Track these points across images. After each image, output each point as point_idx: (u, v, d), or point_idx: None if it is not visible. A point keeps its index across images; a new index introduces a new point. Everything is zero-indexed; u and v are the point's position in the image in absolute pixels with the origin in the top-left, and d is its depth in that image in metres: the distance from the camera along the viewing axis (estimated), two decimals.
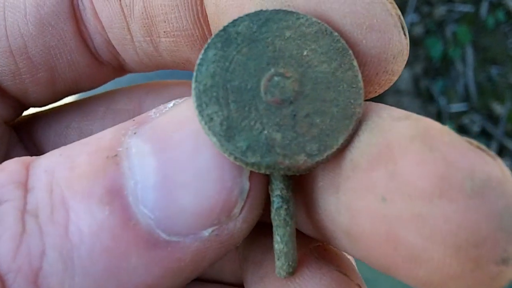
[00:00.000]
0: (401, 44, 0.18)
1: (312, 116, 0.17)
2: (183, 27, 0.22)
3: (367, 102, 0.18)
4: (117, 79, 0.28)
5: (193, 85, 0.17)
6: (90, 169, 0.17)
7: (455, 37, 1.39)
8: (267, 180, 0.18)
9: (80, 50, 0.24)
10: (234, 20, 0.18)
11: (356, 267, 0.21)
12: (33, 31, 0.23)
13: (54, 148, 0.18)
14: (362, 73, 0.18)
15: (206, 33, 0.22)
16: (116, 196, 0.16)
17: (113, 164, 0.17)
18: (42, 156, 0.18)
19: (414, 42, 1.39)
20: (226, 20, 0.18)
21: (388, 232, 0.15)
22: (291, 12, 0.18)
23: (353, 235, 0.17)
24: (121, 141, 0.17)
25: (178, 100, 0.18)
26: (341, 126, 0.17)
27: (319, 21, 0.18)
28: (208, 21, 0.22)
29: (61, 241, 0.16)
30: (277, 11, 0.18)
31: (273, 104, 0.17)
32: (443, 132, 0.15)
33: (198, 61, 0.17)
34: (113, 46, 0.24)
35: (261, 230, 0.21)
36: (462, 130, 1.32)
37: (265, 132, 0.17)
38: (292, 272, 0.18)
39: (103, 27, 0.24)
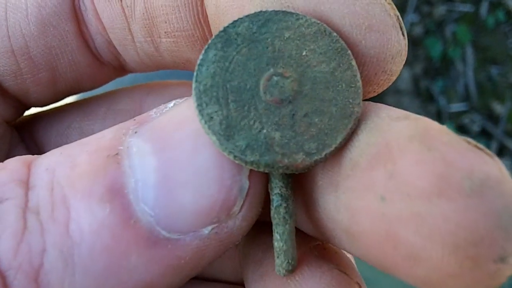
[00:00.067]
0: (399, 45, 0.18)
1: (311, 116, 0.17)
2: (183, 27, 0.22)
3: (366, 102, 0.18)
4: (118, 79, 0.28)
5: (193, 85, 0.17)
6: (91, 168, 0.17)
7: (455, 37, 1.39)
8: (266, 178, 0.18)
9: (81, 51, 0.24)
10: (234, 21, 0.18)
11: (356, 266, 0.21)
12: (35, 32, 0.23)
13: (55, 148, 0.18)
14: (361, 73, 0.18)
15: (207, 33, 0.22)
16: (116, 194, 0.16)
17: (114, 163, 0.17)
18: (43, 155, 0.18)
19: (414, 42, 1.39)
20: (226, 21, 0.19)
21: (387, 231, 0.15)
22: (291, 13, 0.18)
23: (353, 234, 0.17)
24: (121, 140, 0.17)
25: (179, 100, 0.19)
26: (340, 125, 0.17)
27: (318, 22, 0.18)
28: (208, 21, 0.22)
29: (61, 239, 0.16)
30: (276, 12, 0.18)
31: (272, 104, 0.17)
32: (442, 132, 0.16)
33: (198, 62, 0.18)
34: (114, 46, 0.24)
35: (261, 228, 0.22)
36: (462, 130, 1.32)
37: (264, 131, 0.17)
38: (292, 270, 0.19)
39: (104, 27, 0.24)
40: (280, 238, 0.18)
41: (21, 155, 0.18)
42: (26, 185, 0.17)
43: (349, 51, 0.18)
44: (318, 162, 0.17)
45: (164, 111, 0.18)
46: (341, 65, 0.18)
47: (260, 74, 0.17)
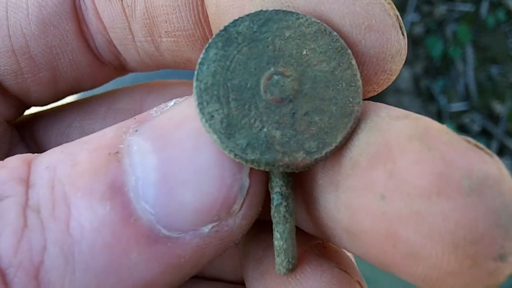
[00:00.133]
0: (399, 44, 0.18)
1: (311, 114, 0.17)
2: (184, 27, 0.22)
3: (366, 101, 0.18)
4: (118, 79, 0.28)
5: (194, 84, 0.17)
6: (92, 166, 0.17)
7: (456, 37, 1.39)
8: (267, 177, 0.18)
9: (82, 50, 0.24)
10: (235, 20, 0.18)
11: (356, 265, 0.21)
12: (35, 31, 0.23)
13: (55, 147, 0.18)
14: (361, 72, 0.18)
15: (207, 33, 0.22)
16: (117, 192, 0.16)
17: (115, 161, 0.17)
18: (43, 154, 0.18)
19: (415, 42, 1.39)
20: (226, 20, 0.19)
21: (387, 230, 0.15)
22: (291, 12, 0.18)
23: (353, 233, 0.17)
24: (122, 139, 0.17)
25: (179, 99, 0.19)
26: (340, 124, 0.17)
27: (318, 21, 0.18)
28: (209, 21, 0.22)
29: (62, 237, 0.16)
30: (277, 11, 0.18)
31: (272, 103, 0.17)
32: (441, 131, 0.16)
33: (199, 61, 0.18)
34: (114, 46, 0.24)
35: (261, 227, 0.22)
36: (462, 129, 1.32)
37: (265, 129, 0.17)
38: (292, 268, 0.19)
39: (104, 27, 0.24)
40: (281, 236, 0.18)
41: (21, 154, 0.18)
42: (27, 183, 0.17)
43: (349, 51, 0.18)
44: (318, 160, 0.17)
45: (164, 110, 0.18)
46: (341, 64, 0.18)
47: (260, 73, 0.18)
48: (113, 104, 0.27)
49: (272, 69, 0.18)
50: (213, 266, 0.26)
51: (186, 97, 0.19)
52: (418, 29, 1.40)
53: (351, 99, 0.17)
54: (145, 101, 0.27)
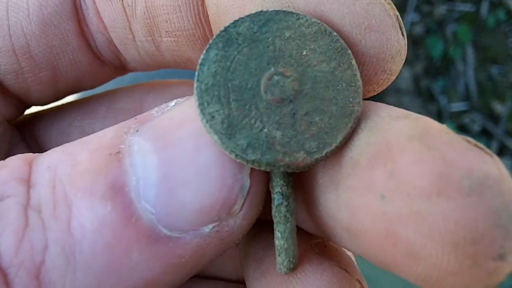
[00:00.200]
0: (399, 44, 0.18)
1: (311, 115, 0.17)
2: (184, 27, 0.22)
3: (366, 101, 0.18)
4: (118, 78, 0.28)
5: (195, 84, 0.17)
6: (92, 166, 0.17)
7: (456, 37, 1.39)
8: (267, 177, 0.18)
9: (82, 50, 0.24)
10: (235, 21, 0.18)
11: (356, 264, 0.21)
12: (36, 31, 0.23)
13: (56, 147, 0.18)
14: (361, 72, 0.18)
15: (207, 33, 0.22)
16: (118, 192, 0.16)
17: (115, 161, 0.17)
18: (44, 153, 0.18)
19: (415, 42, 1.39)
20: (227, 21, 0.19)
21: (387, 229, 0.15)
22: (291, 13, 0.18)
23: (353, 232, 0.17)
24: (123, 139, 0.17)
25: (180, 99, 0.19)
26: (340, 124, 0.17)
27: (318, 22, 0.18)
28: (209, 21, 0.22)
29: (63, 236, 0.16)
30: (277, 12, 0.18)
31: (273, 103, 0.17)
32: (441, 131, 0.16)
33: (200, 61, 0.18)
34: (115, 45, 0.24)
35: (261, 227, 0.22)
36: (462, 129, 1.32)
37: (265, 130, 0.17)
38: (293, 268, 0.19)
39: (105, 27, 0.24)
40: (281, 236, 0.18)
41: (22, 153, 0.18)
42: (28, 183, 0.17)
43: (349, 51, 0.18)
44: (318, 160, 0.17)
45: (165, 110, 0.18)
46: (341, 64, 0.18)
47: (261, 74, 0.18)
48: (113, 103, 0.27)
49: (272, 69, 0.18)
50: (213, 265, 0.26)
51: (187, 97, 0.19)
52: (418, 29, 1.40)
53: (351, 99, 0.17)
54: (145, 100, 0.27)
